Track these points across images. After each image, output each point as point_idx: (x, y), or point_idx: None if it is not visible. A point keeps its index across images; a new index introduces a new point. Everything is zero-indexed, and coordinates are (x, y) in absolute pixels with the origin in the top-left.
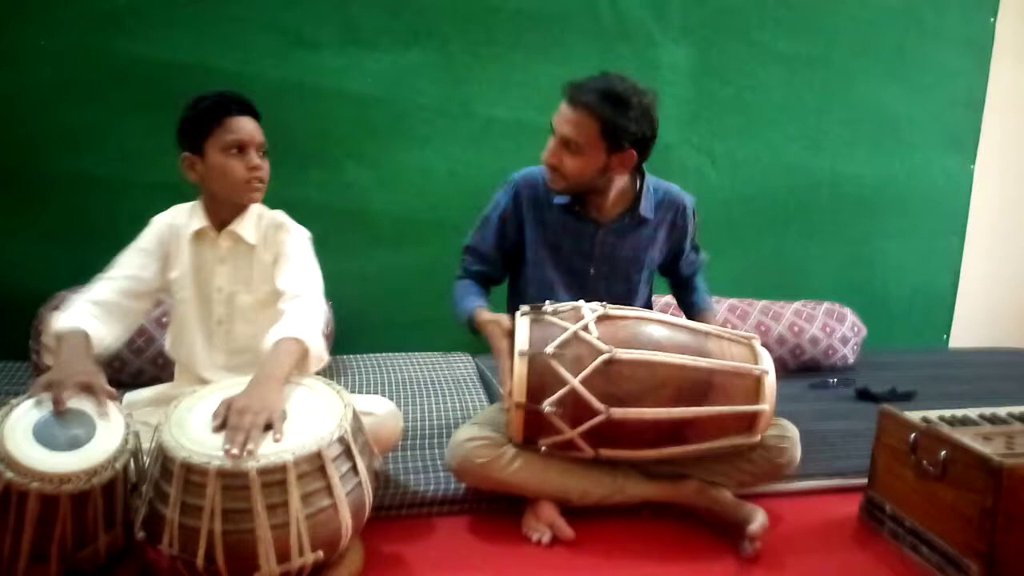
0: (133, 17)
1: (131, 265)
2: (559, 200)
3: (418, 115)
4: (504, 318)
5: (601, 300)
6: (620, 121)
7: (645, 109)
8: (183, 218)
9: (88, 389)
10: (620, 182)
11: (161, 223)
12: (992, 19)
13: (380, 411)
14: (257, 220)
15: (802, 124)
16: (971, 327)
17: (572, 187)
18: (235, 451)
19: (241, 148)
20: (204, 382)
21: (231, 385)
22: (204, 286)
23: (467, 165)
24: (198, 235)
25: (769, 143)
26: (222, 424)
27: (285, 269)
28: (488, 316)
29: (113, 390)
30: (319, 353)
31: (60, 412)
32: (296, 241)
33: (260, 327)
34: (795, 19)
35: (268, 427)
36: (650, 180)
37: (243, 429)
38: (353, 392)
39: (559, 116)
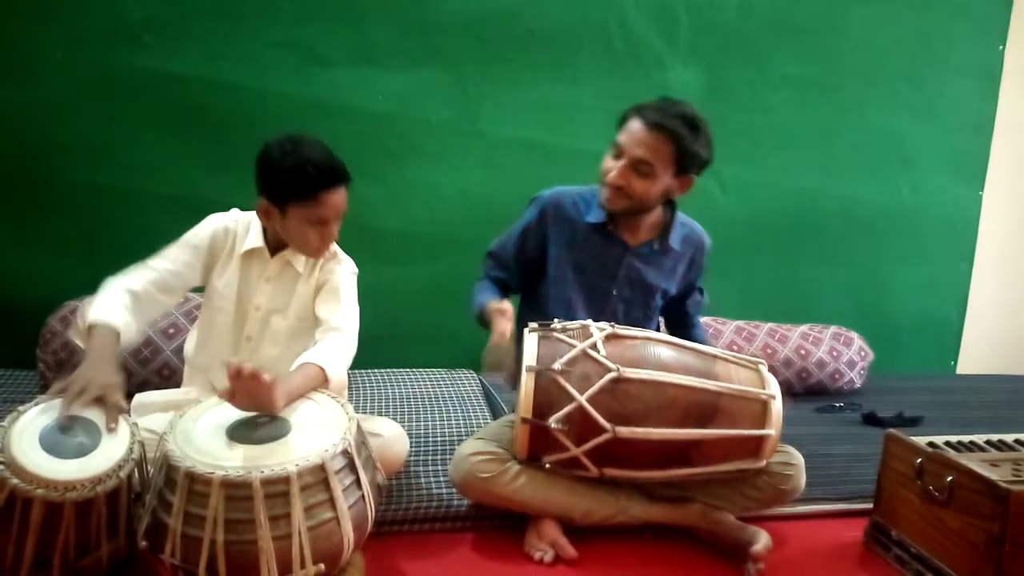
0: (149, 32)
1: (177, 260)
2: (592, 219)
3: (428, 133)
4: (511, 307)
5: (619, 322)
6: (695, 147)
7: (710, 136)
8: (241, 228)
9: (100, 403)
10: (658, 208)
11: (218, 224)
12: (1001, 47)
13: (387, 434)
14: None
15: (811, 148)
16: (979, 353)
17: (632, 208)
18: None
19: (324, 222)
20: (215, 390)
21: None
22: (243, 301)
23: (476, 183)
24: (250, 252)
25: (777, 167)
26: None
27: (330, 300)
28: (496, 304)
29: (124, 405)
30: (338, 386)
31: (67, 419)
32: (345, 274)
33: (286, 351)
34: (805, 44)
35: (271, 440)
36: (678, 213)
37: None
38: (357, 407)
39: (631, 137)
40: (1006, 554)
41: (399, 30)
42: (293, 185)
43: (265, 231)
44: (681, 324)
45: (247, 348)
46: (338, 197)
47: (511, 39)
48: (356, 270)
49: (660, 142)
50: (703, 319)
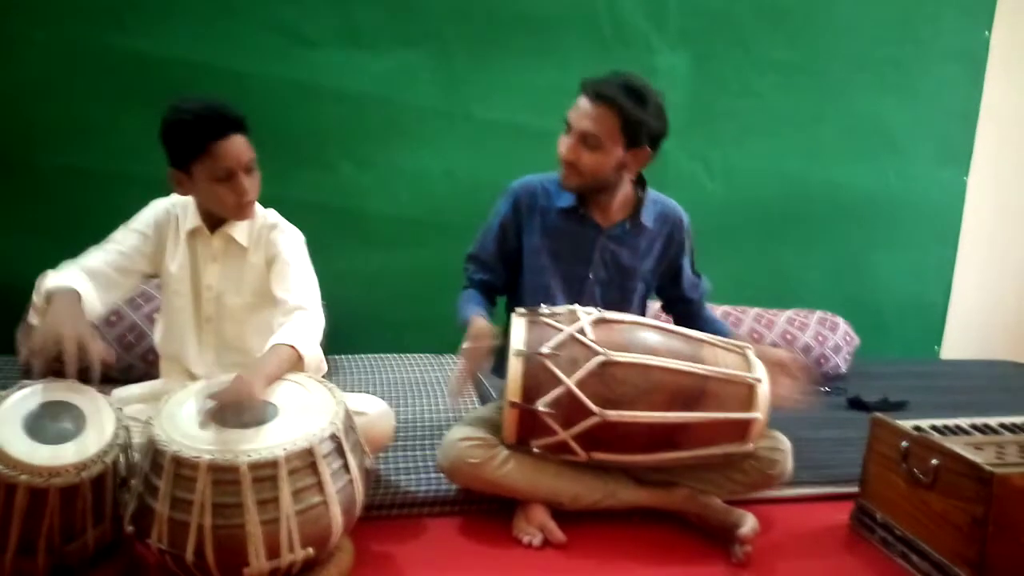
0: (131, 12)
1: (125, 243)
2: (563, 203)
3: (415, 116)
4: (490, 327)
5: (596, 306)
6: (640, 116)
7: (660, 106)
8: (181, 210)
9: (82, 351)
10: (625, 186)
11: (160, 208)
12: (987, 32)
13: (372, 411)
14: (250, 220)
15: (797, 133)
16: (962, 338)
17: (586, 184)
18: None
19: (230, 174)
20: (193, 377)
21: (222, 382)
22: (195, 282)
23: (463, 167)
24: (192, 232)
25: (764, 152)
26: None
27: (284, 276)
28: (479, 321)
29: (104, 348)
30: (315, 363)
31: (50, 404)
32: (292, 244)
33: (248, 327)
34: (792, 29)
35: (258, 424)
36: (650, 191)
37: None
38: (345, 392)
39: (577, 111)
40: (989, 536)
41: (386, 12)
42: (184, 143)
43: (201, 212)
44: (688, 314)
45: (208, 330)
46: (234, 145)
47: (499, 22)
48: (302, 237)
49: (603, 113)
50: None
